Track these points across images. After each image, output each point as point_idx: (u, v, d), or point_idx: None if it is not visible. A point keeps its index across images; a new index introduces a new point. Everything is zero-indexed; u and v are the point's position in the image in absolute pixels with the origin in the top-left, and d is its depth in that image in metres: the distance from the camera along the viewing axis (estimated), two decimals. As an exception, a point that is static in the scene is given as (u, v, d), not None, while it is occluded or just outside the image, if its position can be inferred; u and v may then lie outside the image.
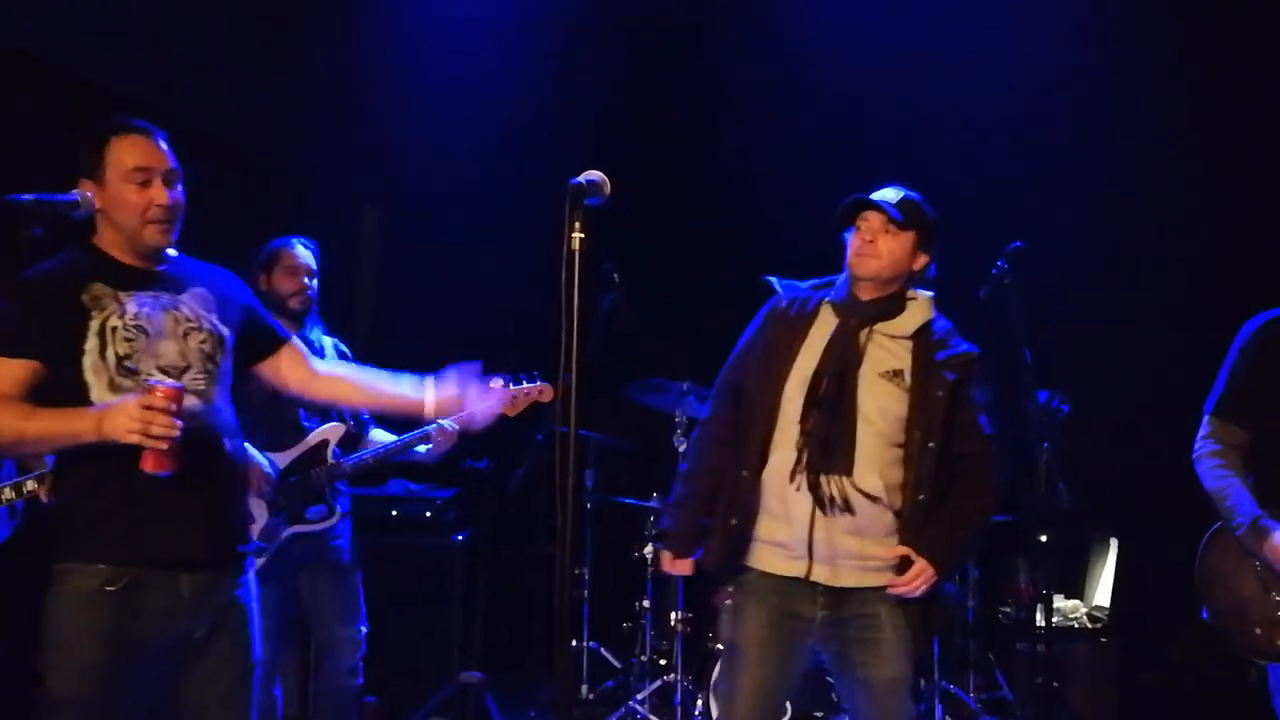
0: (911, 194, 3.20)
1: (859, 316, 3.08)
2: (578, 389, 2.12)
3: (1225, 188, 5.56)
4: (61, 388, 2.59)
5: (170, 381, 2.56)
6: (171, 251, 2.79)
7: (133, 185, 2.66)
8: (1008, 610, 5.53)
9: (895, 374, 3.05)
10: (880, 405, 3.00)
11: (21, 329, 2.61)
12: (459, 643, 5.11)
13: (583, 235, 2.17)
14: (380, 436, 4.18)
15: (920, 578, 2.99)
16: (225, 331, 2.78)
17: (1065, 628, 5.39)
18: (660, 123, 6.11)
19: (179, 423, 2.49)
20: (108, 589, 2.58)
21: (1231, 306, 5.38)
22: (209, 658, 2.70)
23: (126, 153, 2.66)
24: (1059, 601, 5.43)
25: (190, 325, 2.71)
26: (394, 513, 5.17)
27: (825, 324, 3.10)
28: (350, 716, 4.19)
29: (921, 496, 2.98)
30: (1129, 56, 5.69)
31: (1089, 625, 5.52)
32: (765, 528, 3.06)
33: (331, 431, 4.01)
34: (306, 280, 4.06)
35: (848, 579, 3.02)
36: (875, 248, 3.10)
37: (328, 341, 4.19)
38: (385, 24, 6.06)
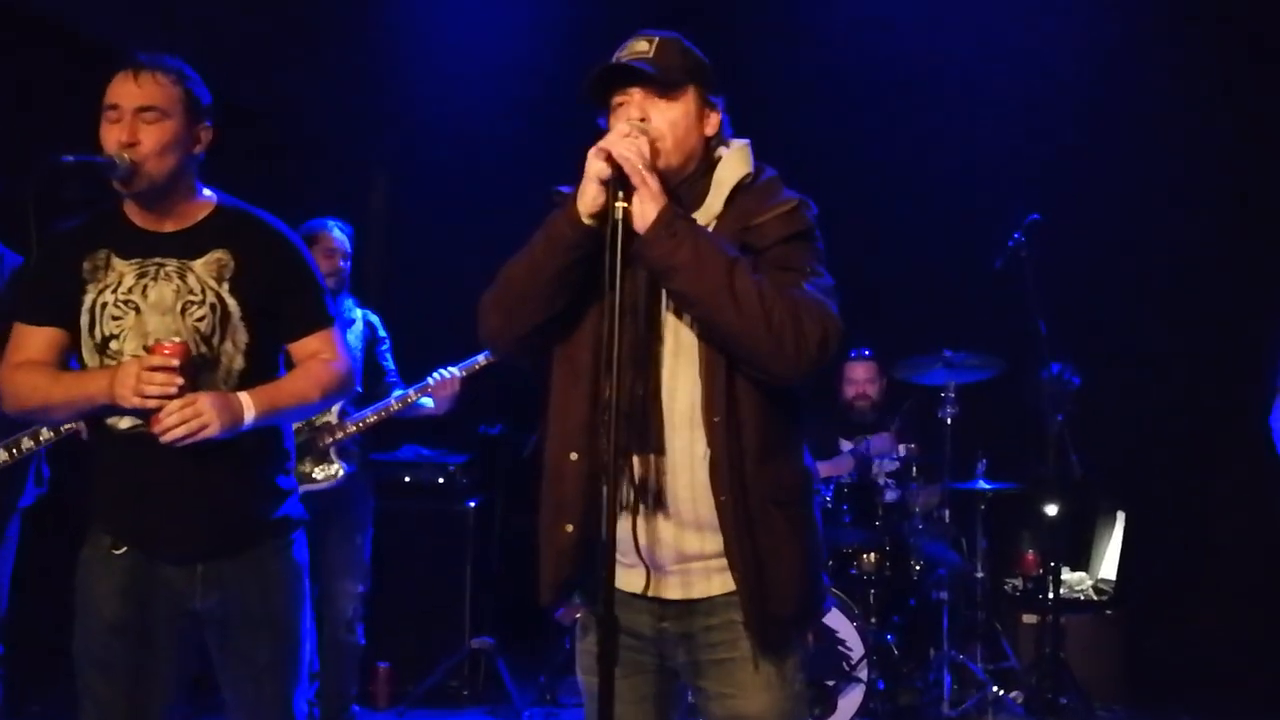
0: (665, 33, 2.22)
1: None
2: (619, 360, 2.04)
3: (1243, 160, 5.55)
4: (80, 357, 2.55)
5: (174, 339, 2.44)
6: (206, 203, 2.58)
7: (105, 124, 2.47)
8: (1015, 582, 5.55)
9: None
10: (692, 335, 2.14)
11: (37, 296, 2.57)
12: (471, 608, 5.12)
13: (626, 205, 2.02)
14: (404, 393, 4.26)
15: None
16: (232, 304, 2.54)
17: (1071, 599, 5.42)
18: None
19: (176, 387, 2.38)
20: (114, 553, 2.55)
21: (1247, 280, 5.44)
22: (240, 630, 2.59)
23: (107, 90, 2.48)
24: (1066, 573, 5.46)
25: (192, 299, 2.52)
26: (407, 478, 5.17)
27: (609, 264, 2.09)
28: (351, 674, 4.27)
29: (716, 419, 2.10)
30: (1151, 26, 5.66)
31: (1095, 597, 5.55)
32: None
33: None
34: (342, 263, 4.21)
35: (689, 590, 2.19)
36: (657, 130, 2.15)
37: (359, 314, 4.32)
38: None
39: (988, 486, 5.03)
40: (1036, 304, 4.74)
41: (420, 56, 6.04)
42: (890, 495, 5.11)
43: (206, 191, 2.60)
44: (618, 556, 2.09)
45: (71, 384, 2.52)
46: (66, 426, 3.13)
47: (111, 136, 2.44)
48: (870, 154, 5.88)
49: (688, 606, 2.19)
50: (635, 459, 2.12)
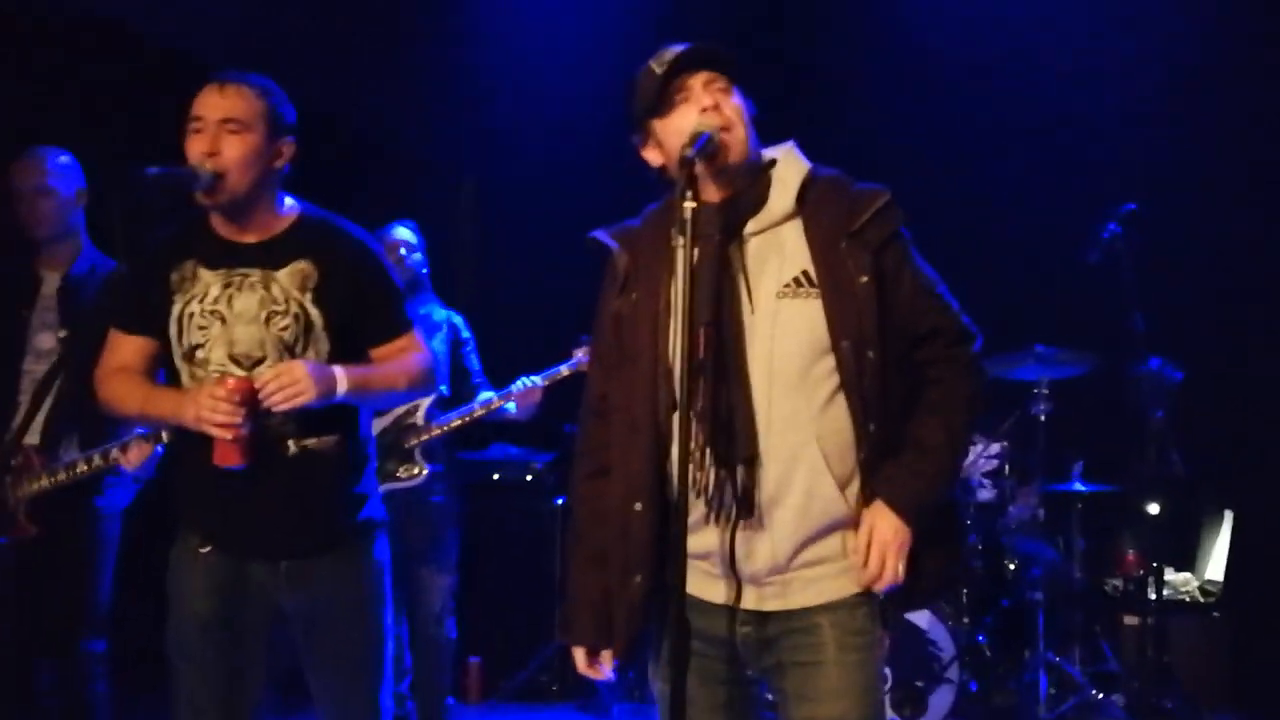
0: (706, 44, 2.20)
1: (721, 227, 2.15)
2: (691, 357, 2.05)
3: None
4: (171, 368, 2.65)
5: (239, 374, 2.52)
6: (289, 214, 2.64)
7: (191, 134, 2.53)
8: (1115, 582, 5.41)
9: (800, 280, 2.13)
10: (793, 336, 2.11)
11: (131, 306, 2.67)
12: (560, 603, 5.15)
13: (695, 204, 2.01)
14: (489, 398, 4.34)
15: (885, 539, 2.11)
16: (315, 314, 2.58)
17: (1176, 601, 5.26)
18: (771, 94, 6.01)
19: (240, 418, 2.45)
20: (201, 551, 2.64)
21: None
22: (326, 626, 2.66)
23: (192, 103, 2.54)
24: (1169, 574, 5.29)
25: (276, 308, 2.56)
26: (495, 476, 5.25)
27: (684, 261, 2.05)
28: (444, 668, 4.36)
29: (872, 427, 2.11)
30: (1252, 16, 5.46)
31: (1201, 599, 5.38)
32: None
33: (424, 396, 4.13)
34: (403, 253, 4.28)
35: (784, 600, 2.16)
36: (725, 116, 2.14)
37: (442, 315, 4.39)
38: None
39: (1085, 488, 4.91)
40: (1133, 297, 4.61)
41: (507, 63, 6.10)
42: (984, 494, 5.02)
43: (289, 202, 2.67)
44: (705, 566, 2.17)
45: (149, 400, 2.64)
46: (113, 455, 3.28)
47: (195, 147, 2.51)
48: (957, 143, 5.78)
49: (773, 615, 2.18)
50: (728, 469, 2.11)
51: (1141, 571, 5.19)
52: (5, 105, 4.01)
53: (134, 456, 3.27)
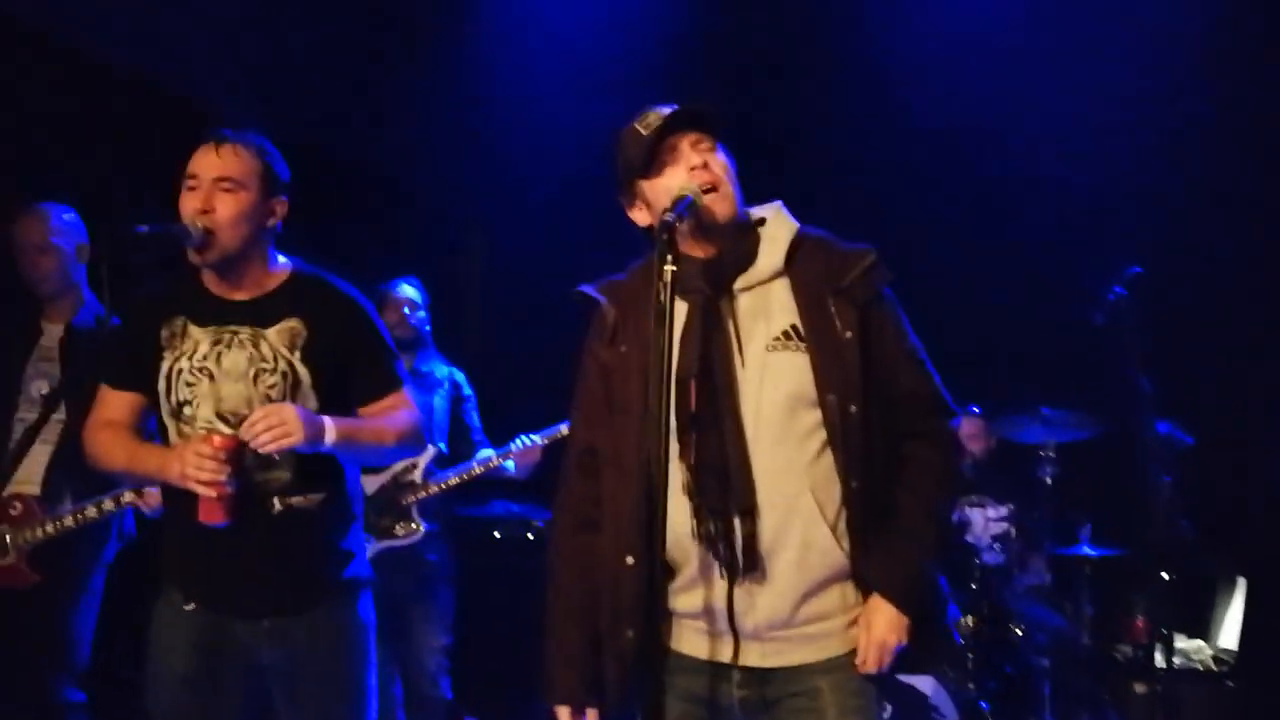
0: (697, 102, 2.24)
1: (708, 282, 2.18)
2: (664, 420, 2.05)
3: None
4: (159, 423, 2.66)
5: (226, 432, 2.52)
6: (281, 272, 2.66)
7: (186, 192, 2.56)
8: (1125, 649, 5.31)
9: (789, 333, 2.16)
10: (780, 388, 2.13)
11: (120, 361, 2.69)
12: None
13: (674, 268, 2.02)
14: (488, 456, 4.34)
15: (880, 641, 2.12)
16: (303, 372, 2.59)
17: (1188, 669, 5.15)
18: (783, 148, 6.03)
19: (225, 475, 2.45)
20: (184, 608, 2.64)
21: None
22: (306, 685, 2.66)
23: (189, 161, 2.59)
24: (1181, 641, 5.19)
25: (264, 366, 2.58)
26: (496, 533, 5.22)
27: (674, 317, 2.10)
28: None
29: (855, 484, 2.12)
30: (1264, 60, 5.45)
31: (1214, 668, 5.27)
32: (677, 596, 2.19)
33: (422, 454, 4.15)
34: (406, 312, 4.31)
35: (786, 656, 2.17)
36: (714, 174, 2.17)
37: (444, 371, 4.37)
38: (499, 42, 6.13)
39: (1093, 553, 4.85)
40: (1139, 360, 4.57)
41: (517, 121, 6.15)
42: (990, 558, 4.95)
43: (282, 259, 2.69)
44: (698, 624, 2.18)
45: (136, 456, 2.64)
46: (126, 499, 3.29)
47: (189, 205, 2.54)
48: (961, 204, 5.78)
49: (773, 674, 2.17)
50: (724, 521, 2.12)
51: (1151, 638, 5.10)
52: (7, 153, 4.07)
53: (152, 499, 3.29)
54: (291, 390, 2.58)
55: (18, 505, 3.38)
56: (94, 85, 4.39)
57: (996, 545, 5.01)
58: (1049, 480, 4.81)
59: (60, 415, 3.42)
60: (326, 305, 2.65)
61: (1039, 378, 5.27)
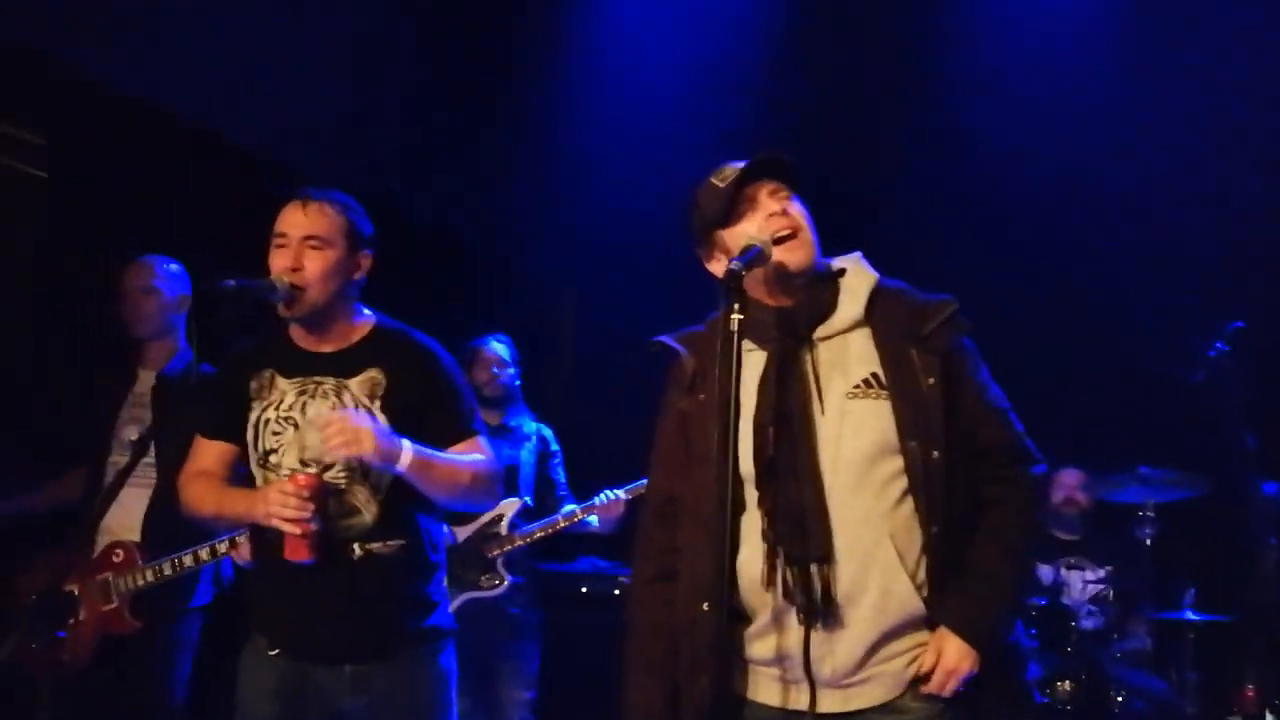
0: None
1: (785, 331, 2.21)
2: (735, 470, 2.04)
3: None
4: (249, 475, 2.75)
5: (310, 471, 2.60)
6: (364, 324, 2.73)
7: (273, 250, 2.66)
8: None
9: (870, 381, 2.18)
10: (862, 435, 2.14)
11: (212, 411, 2.80)
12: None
13: (741, 316, 2.05)
14: (572, 510, 4.35)
15: (950, 667, 2.12)
16: (383, 420, 2.62)
17: (1302, 741, 4.94)
18: (880, 206, 6.00)
19: (309, 513, 2.51)
20: (271, 654, 2.70)
21: None
22: None
23: (277, 219, 2.68)
24: (1293, 712, 4.99)
25: None
26: (583, 589, 5.21)
27: (753, 365, 2.18)
28: None
29: (935, 529, 2.12)
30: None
31: (1329, 740, 5.04)
32: (752, 643, 2.19)
33: (508, 506, 4.24)
34: (495, 370, 4.39)
35: (865, 698, 2.16)
36: (793, 221, 2.21)
37: (532, 427, 4.47)
38: (588, 103, 6.23)
39: (1196, 618, 4.69)
40: (1243, 418, 4.45)
41: (608, 180, 6.23)
42: (1088, 622, 4.82)
43: (366, 312, 2.77)
44: (773, 672, 2.18)
45: (224, 501, 2.73)
46: (221, 549, 3.32)
47: (279, 262, 2.64)
48: (1060, 261, 5.70)
49: (851, 718, 2.16)
50: (801, 569, 2.11)
51: (1262, 708, 4.90)
52: (126, 219, 4.23)
53: (245, 550, 3.32)
54: None
55: (120, 553, 3.47)
56: (181, 145, 4.54)
57: (1094, 608, 4.88)
58: (1148, 542, 4.67)
59: (150, 459, 3.51)
60: (405, 355, 2.72)
61: (1138, 436, 5.14)
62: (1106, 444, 5.18)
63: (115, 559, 3.47)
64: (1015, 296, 5.58)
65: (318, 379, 2.69)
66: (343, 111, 5.12)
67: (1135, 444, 4.90)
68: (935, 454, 2.12)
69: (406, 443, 2.58)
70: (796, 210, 2.22)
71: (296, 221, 2.65)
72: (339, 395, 2.67)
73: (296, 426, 2.67)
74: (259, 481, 2.71)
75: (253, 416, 2.70)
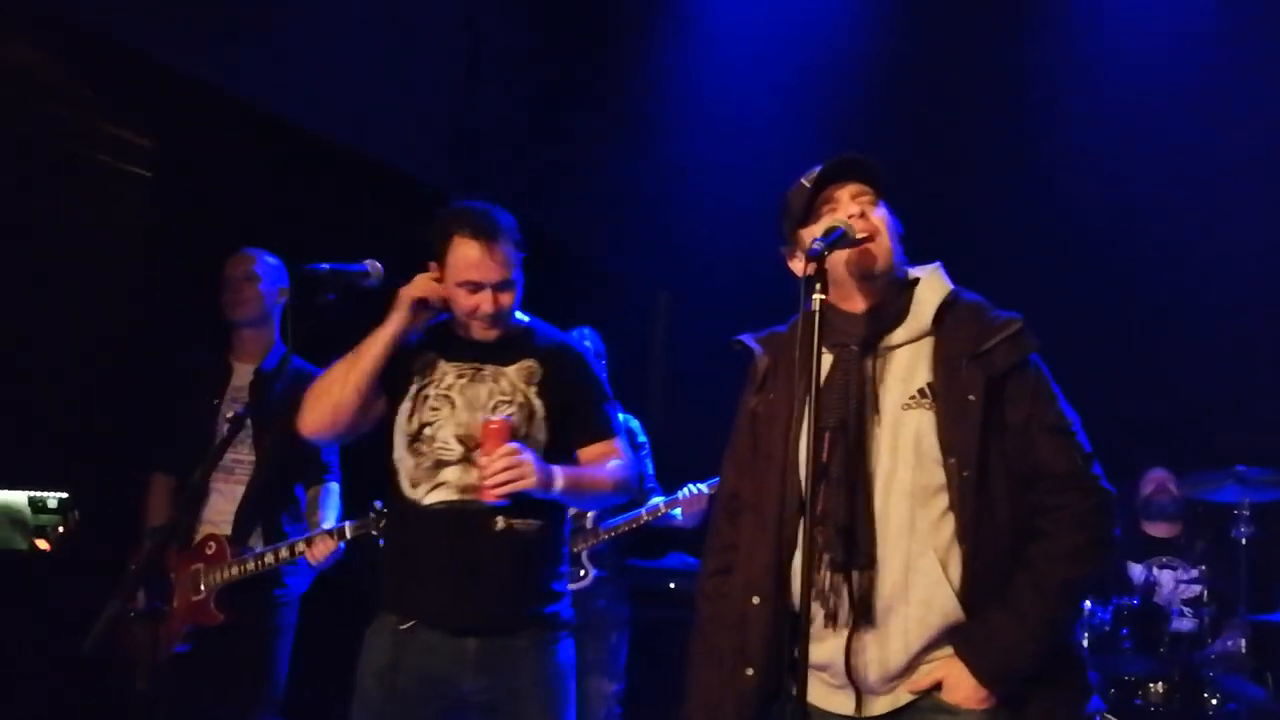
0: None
1: (860, 337, 2.21)
2: (815, 461, 2.05)
3: None
4: (387, 467, 2.86)
5: (497, 416, 2.72)
6: (521, 324, 2.89)
7: (464, 290, 2.77)
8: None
9: (924, 392, 2.17)
10: (910, 445, 2.14)
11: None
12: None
13: (823, 296, 2.06)
14: (656, 504, 4.38)
15: (954, 700, 2.11)
16: (538, 405, 2.81)
17: None
18: (963, 207, 5.96)
19: (514, 447, 2.63)
20: (400, 628, 2.78)
21: None
22: (508, 715, 2.76)
23: (462, 261, 2.75)
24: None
25: (503, 398, 2.79)
26: (671, 585, 5.25)
27: (820, 368, 2.13)
28: None
29: (966, 548, 2.10)
30: None
31: None
32: (803, 644, 2.13)
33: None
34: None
35: (911, 687, 2.18)
36: (870, 224, 2.20)
37: (619, 419, 4.44)
38: (682, 104, 6.28)
39: (1295, 621, 4.59)
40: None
41: (702, 183, 6.27)
42: (1182, 624, 4.75)
43: (519, 314, 2.91)
44: (825, 677, 2.20)
45: (358, 349, 2.79)
46: (299, 549, 3.43)
47: (481, 308, 2.78)
48: (1161, 263, 5.61)
49: (902, 713, 2.18)
50: (844, 574, 2.13)
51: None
52: (230, 220, 4.34)
53: (319, 550, 3.43)
54: (527, 420, 2.80)
55: (212, 545, 3.54)
56: (294, 152, 4.65)
57: (1188, 610, 4.80)
58: (1244, 541, 4.58)
59: (247, 455, 3.61)
60: (560, 353, 2.90)
61: (1235, 434, 5.05)
62: (1204, 443, 5.09)
63: (208, 550, 3.54)
64: (1114, 295, 5.54)
65: (478, 364, 2.83)
66: (447, 120, 5.22)
67: (1232, 443, 4.81)
68: (966, 473, 2.09)
69: (558, 470, 2.73)
70: (878, 215, 2.22)
71: (488, 269, 2.76)
72: (496, 380, 2.82)
73: (453, 405, 2.80)
74: (403, 459, 2.80)
75: (412, 389, 2.83)
